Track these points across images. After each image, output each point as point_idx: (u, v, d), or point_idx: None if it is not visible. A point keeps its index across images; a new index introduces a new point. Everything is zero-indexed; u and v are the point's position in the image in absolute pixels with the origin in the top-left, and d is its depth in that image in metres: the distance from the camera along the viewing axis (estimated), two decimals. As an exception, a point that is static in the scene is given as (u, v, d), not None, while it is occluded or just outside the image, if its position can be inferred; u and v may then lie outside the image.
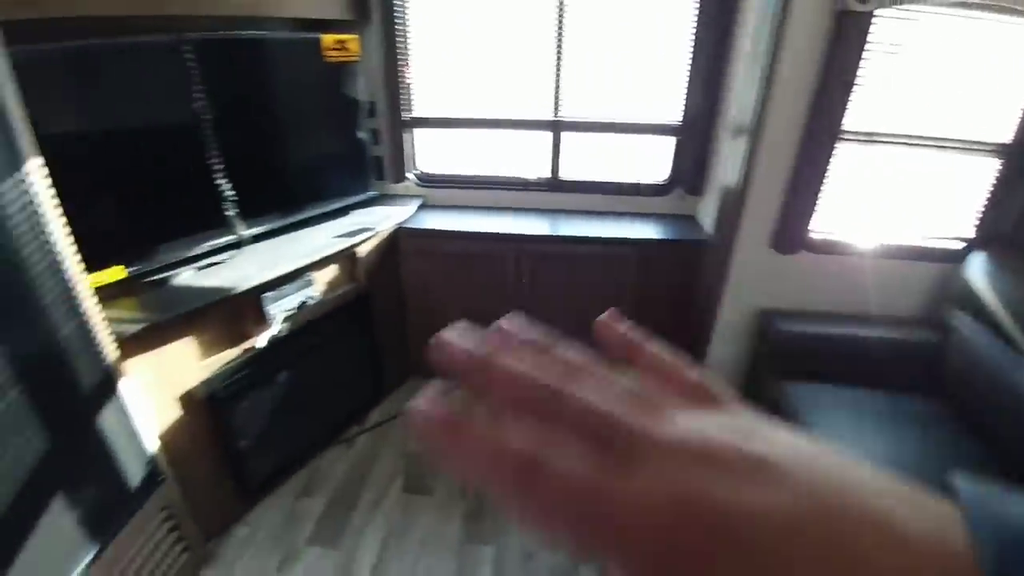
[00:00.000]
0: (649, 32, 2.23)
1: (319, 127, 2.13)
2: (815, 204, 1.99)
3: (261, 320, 1.77)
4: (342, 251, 1.98)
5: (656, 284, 2.29)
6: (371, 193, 2.33)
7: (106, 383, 1.34)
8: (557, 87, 2.29)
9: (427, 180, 2.52)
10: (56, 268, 1.19)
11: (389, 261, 2.28)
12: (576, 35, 2.20)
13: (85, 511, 1.31)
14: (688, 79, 2.23)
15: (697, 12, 2.11)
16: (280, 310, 1.80)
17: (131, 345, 1.43)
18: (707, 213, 2.30)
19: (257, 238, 1.91)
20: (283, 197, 2.02)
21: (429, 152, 2.53)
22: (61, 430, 1.23)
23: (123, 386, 1.39)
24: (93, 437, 1.33)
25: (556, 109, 2.33)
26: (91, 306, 1.28)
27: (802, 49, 1.74)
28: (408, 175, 2.47)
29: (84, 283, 1.26)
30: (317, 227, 2.08)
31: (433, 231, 2.27)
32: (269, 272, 1.73)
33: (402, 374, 2.59)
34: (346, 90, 2.12)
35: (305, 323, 1.94)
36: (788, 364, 2.00)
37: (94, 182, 1.51)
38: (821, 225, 2.04)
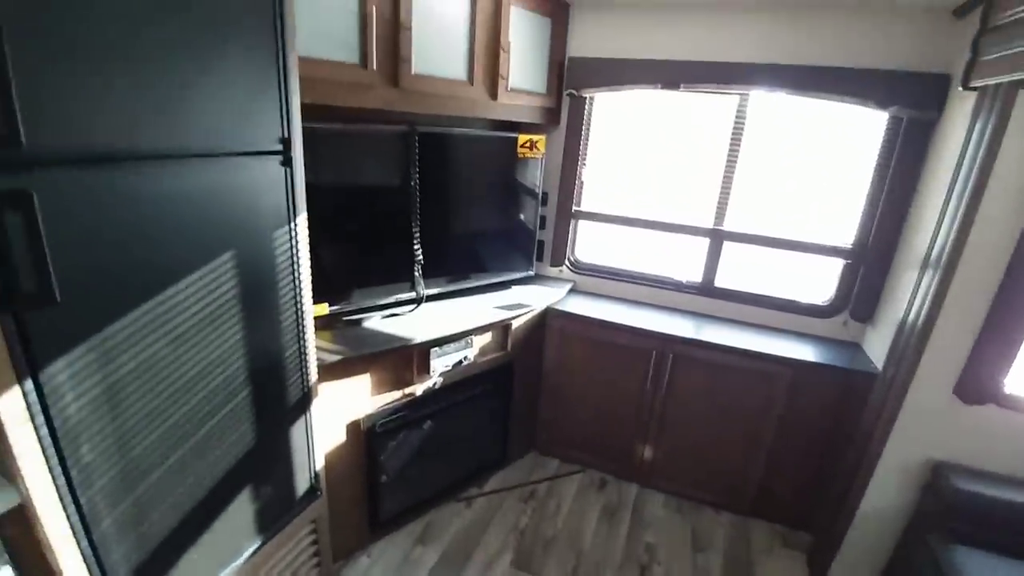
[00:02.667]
0: (828, 153, 2.25)
1: (499, 210, 2.42)
2: (1014, 354, 1.78)
3: (424, 371, 1.97)
4: (500, 321, 2.17)
5: (808, 410, 2.15)
6: (530, 272, 2.54)
7: (303, 401, 1.59)
8: (723, 198, 2.37)
9: (580, 267, 2.69)
10: (297, 298, 1.49)
11: (535, 337, 2.43)
12: (750, 150, 2.29)
13: (261, 507, 1.53)
14: (866, 203, 2.18)
15: (884, 137, 2.10)
16: (441, 364, 2.00)
17: (326, 372, 1.68)
18: (876, 344, 2.14)
19: (432, 297, 2.17)
20: (460, 265, 2.30)
21: (586, 242, 2.71)
22: (264, 433, 1.47)
23: (313, 406, 1.63)
24: (284, 444, 1.57)
25: (719, 218, 2.40)
26: (311, 334, 1.56)
27: (1015, 187, 1.64)
28: (565, 261, 2.65)
29: (311, 314, 1.55)
30: (482, 295, 2.31)
31: (581, 316, 2.38)
32: (441, 329, 1.95)
33: (524, 447, 2.66)
34: (526, 181, 2.40)
35: (457, 380, 2.12)
36: (959, 527, 1.75)
37: (327, 230, 1.86)
38: (1020, 379, 1.80)
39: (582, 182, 2.56)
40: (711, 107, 2.35)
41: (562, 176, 2.52)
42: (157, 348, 1.15)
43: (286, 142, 1.36)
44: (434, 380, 2.03)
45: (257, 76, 1.25)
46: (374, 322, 1.96)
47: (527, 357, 2.43)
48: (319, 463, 1.72)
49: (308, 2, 1.51)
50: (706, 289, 2.50)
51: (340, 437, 1.83)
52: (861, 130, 2.18)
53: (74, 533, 1.08)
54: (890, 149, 2.09)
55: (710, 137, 2.35)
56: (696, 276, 2.51)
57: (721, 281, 2.48)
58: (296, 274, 1.48)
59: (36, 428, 0.97)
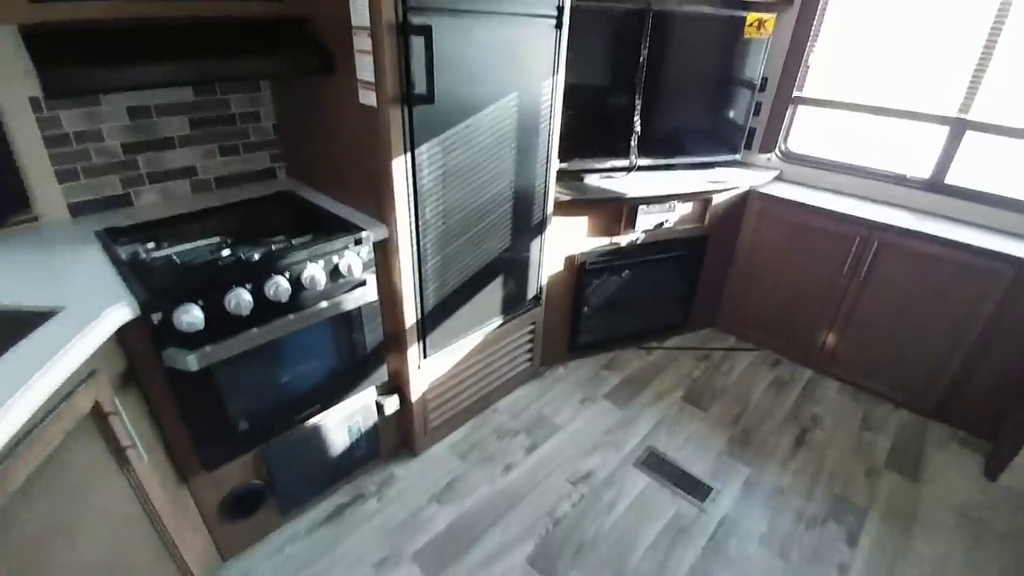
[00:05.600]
0: None
1: (714, 91, 2.56)
2: None
3: (630, 225, 2.34)
4: (702, 192, 2.41)
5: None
6: (737, 157, 2.68)
7: (542, 223, 2.09)
8: (974, 84, 2.18)
9: (790, 157, 2.72)
10: (550, 140, 1.93)
11: (733, 217, 2.61)
12: (1017, 33, 2.06)
13: (505, 295, 2.10)
14: None
15: None
16: (645, 222, 2.35)
17: (557, 207, 2.14)
18: None
19: (642, 168, 2.48)
20: (670, 142, 2.55)
21: (801, 131, 2.71)
22: (516, 238, 2.00)
23: (547, 231, 2.12)
24: (526, 252, 2.10)
25: (965, 107, 2.23)
26: (554, 173, 2.01)
27: None
28: (776, 149, 2.71)
29: (556, 157, 1.99)
30: (687, 171, 2.55)
31: (783, 199, 2.47)
32: (649, 191, 2.27)
33: (704, 320, 2.93)
34: (747, 64, 2.49)
35: (655, 241, 2.45)
36: None
37: (565, 95, 2.25)
38: None
39: (808, 66, 2.54)
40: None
41: (787, 59, 2.52)
42: (470, 153, 1.69)
43: (560, 9, 1.74)
44: (637, 235, 2.39)
45: (548, -48, 1.63)
46: (592, 179, 2.35)
47: (722, 235, 2.64)
48: (544, 279, 2.25)
49: None
50: (934, 185, 2.37)
51: (559, 265, 2.33)
52: None
53: (412, 266, 1.71)
54: None
55: (967, 16, 2.14)
56: (924, 171, 2.39)
57: (953, 178, 2.33)
58: (551, 119, 1.91)
59: (408, 186, 1.57)
